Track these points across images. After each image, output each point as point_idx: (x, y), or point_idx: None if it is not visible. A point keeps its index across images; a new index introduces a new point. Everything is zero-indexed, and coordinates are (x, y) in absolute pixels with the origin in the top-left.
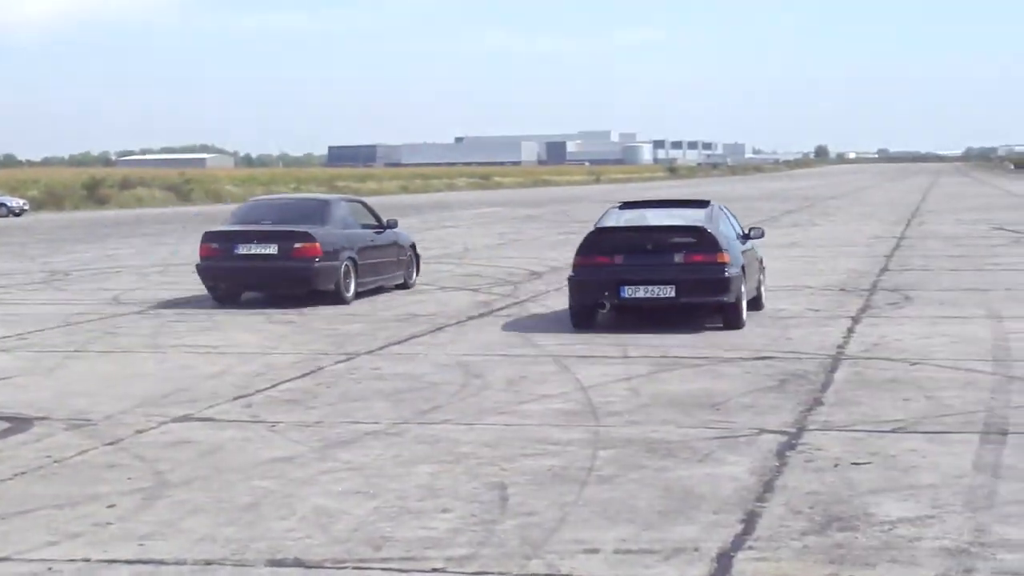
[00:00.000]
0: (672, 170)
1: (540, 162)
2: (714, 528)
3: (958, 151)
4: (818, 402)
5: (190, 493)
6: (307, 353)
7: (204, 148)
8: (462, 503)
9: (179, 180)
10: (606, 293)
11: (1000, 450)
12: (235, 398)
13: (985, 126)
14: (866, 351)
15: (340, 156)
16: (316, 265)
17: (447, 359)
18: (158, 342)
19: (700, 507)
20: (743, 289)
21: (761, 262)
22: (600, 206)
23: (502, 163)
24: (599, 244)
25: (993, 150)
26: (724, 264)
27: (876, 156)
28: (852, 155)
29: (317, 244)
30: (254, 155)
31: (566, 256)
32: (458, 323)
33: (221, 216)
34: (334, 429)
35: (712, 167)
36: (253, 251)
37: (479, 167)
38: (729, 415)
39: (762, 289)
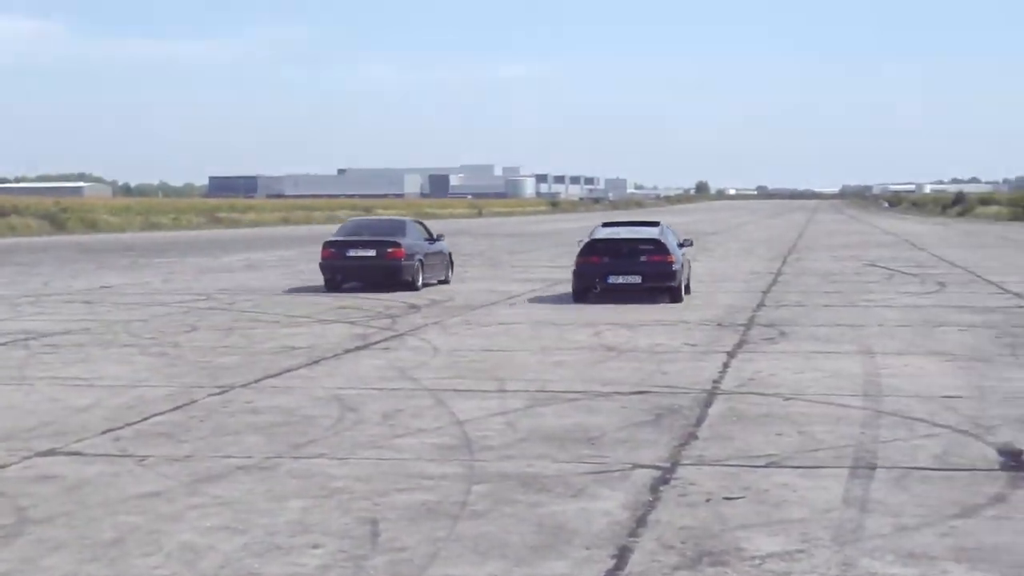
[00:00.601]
0: (554, 204)
1: (423, 195)
2: (586, 563)
3: (835, 188)
4: (692, 437)
5: (53, 530)
6: (180, 386)
7: (82, 177)
8: (333, 538)
9: (55, 209)
10: (597, 279)
11: (868, 484)
12: (104, 432)
13: (861, 164)
14: (741, 386)
15: (221, 186)
16: (402, 263)
17: (323, 392)
18: (26, 374)
19: (572, 542)
20: (682, 278)
21: (689, 263)
22: (483, 239)
23: (385, 195)
24: (593, 248)
25: (868, 188)
26: (671, 263)
27: (755, 192)
28: (732, 191)
29: (402, 249)
30: (133, 184)
31: (448, 289)
32: (335, 356)
33: (101, 245)
34: (204, 463)
35: (594, 201)
36: (359, 254)
37: (362, 199)
38: (604, 450)
39: (690, 280)
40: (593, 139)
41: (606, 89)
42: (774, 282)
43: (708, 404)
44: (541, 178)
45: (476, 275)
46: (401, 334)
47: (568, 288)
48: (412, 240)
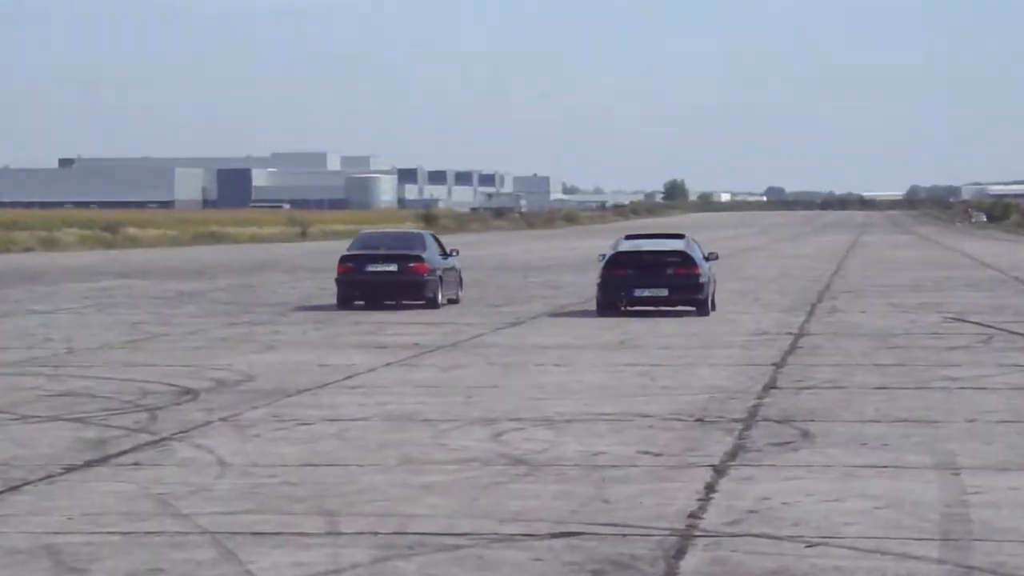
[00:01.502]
0: (428, 218)
1: (207, 201)
2: None
3: (897, 192)
4: None
5: None
6: None
7: None
8: None
9: None
10: (622, 292)
11: None
12: None
13: (938, 154)
14: (735, 523)
15: None
16: (426, 279)
17: (27, 542)
18: None
19: None
20: (709, 291)
21: (715, 278)
22: (311, 277)
23: (142, 203)
24: (618, 261)
25: (953, 191)
26: (699, 275)
27: (763, 199)
28: (725, 197)
29: (425, 264)
30: None
31: (247, 361)
32: (48, 478)
33: None
34: None
35: (494, 213)
36: (380, 268)
37: (102, 209)
38: None
39: (715, 296)
40: (499, 118)
41: (519, 49)
42: (793, 348)
43: (679, 554)
44: (406, 174)
45: (294, 338)
46: (165, 438)
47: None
48: (431, 254)
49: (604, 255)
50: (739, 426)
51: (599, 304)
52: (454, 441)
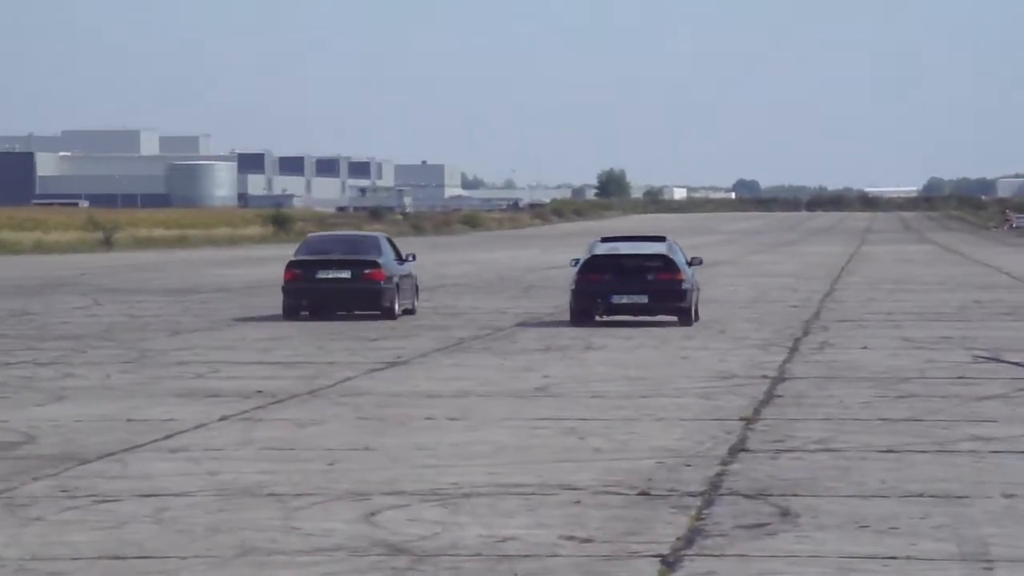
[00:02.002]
0: (278, 220)
1: None
2: None
3: (912, 187)
4: None
5: None
6: None
7: None
8: None
9: None
10: (598, 299)
11: None
12: None
13: (963, 140)
14: None
15: None
16: (382, 287)
17: None
18: None
19: None
20: (693, 299)
21: (697, 284)
22: (117, 300)
23: None
24: (594, 265)
25: (987, 185)
26: (682, 281)
27: (731, 195)
28: (679, 193)
29: (382, 270)
30: None
31: (27, 416)
32: None
33: None
34: None
35: (370, 214)
36: (332, 275)
37: None
38: None
39: (699, 305)
40: (375, 91)
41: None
42: (770, 397)
43: None
44: (252, 162)
45: (94, 383)
46: None
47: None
48: (387, 260)
49: (578, 259)
50: (696, 502)
51: (573, 312)
52: (311, 523)
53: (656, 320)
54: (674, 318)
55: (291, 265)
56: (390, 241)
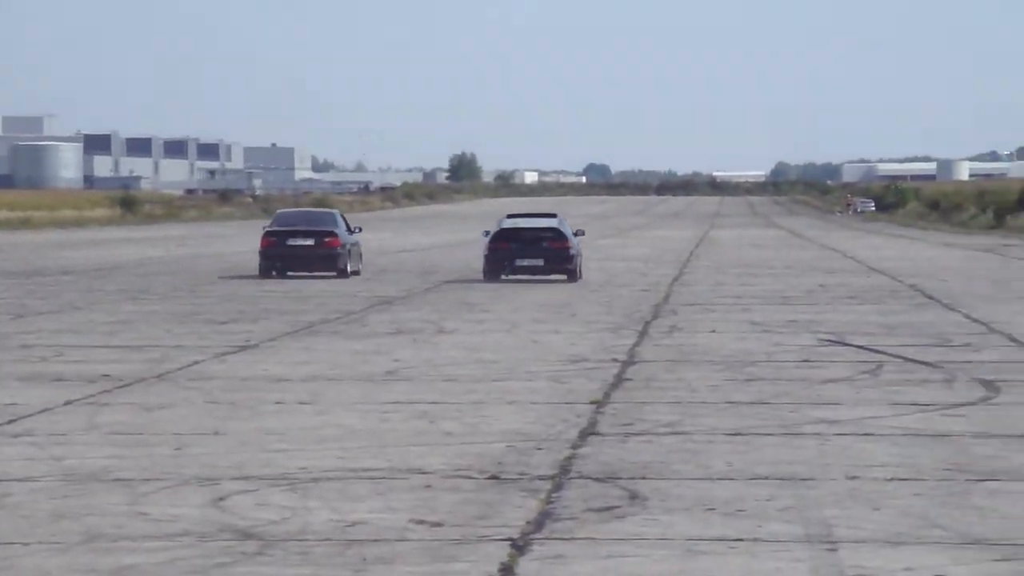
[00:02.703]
0: (126, 203)
1: None
2: None
3: (759, 171)
4: None
5: None
6: None
7: None
8: None
9: None
10: (506, 263)
11: None
12: None
13: (811, 124)
14: None
15: None
16: (339, 251)
17: None
18: None
19: None
20: (578, 263)
21: (580, 250)
22: None
23: None
24: (502, 236)
25: (833, 170)
26: (569, 248)
27: (583, 179)
28: (530, 177)
29: (338, 238)
30: None
31: None
32: None
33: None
34: None
35: (219, 197)
36: (299, 243)
37: None
38: None
39: (582, 267)
40: (224, 71)
41: None
42: (620, 380)
43: None
44: (98, 143)
45: None
46: None
47: None
48: (341, 231)
49: (488, 231)
50: (546, 485)
51: (485, 273)
52: (159, 508)
53: (508, 307)
54: (564, 276)
55: (267, 235)
56: (342, 216)
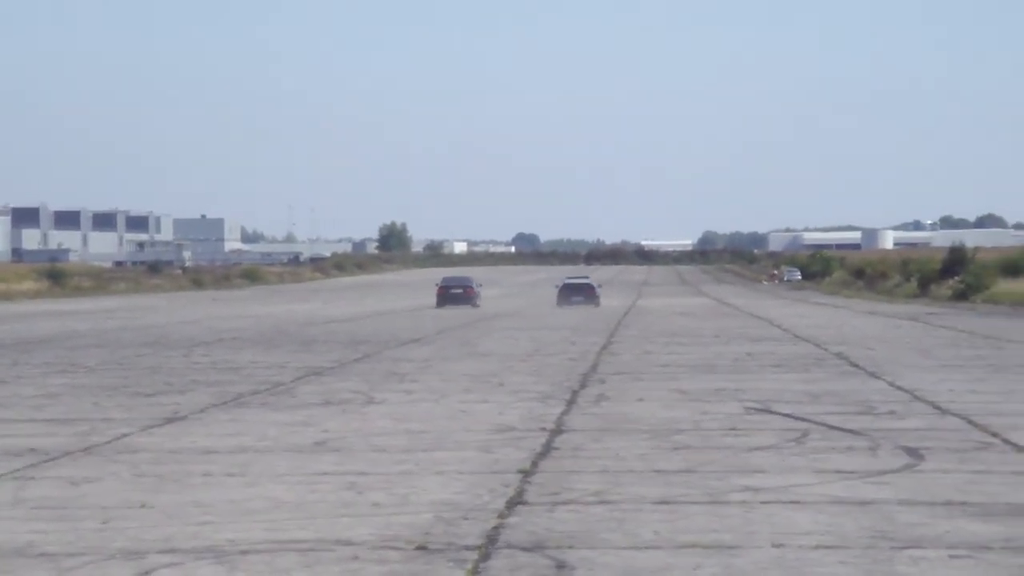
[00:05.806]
0: (54, 275)
1: None
2: None
3: (686, 240)
4: None
5: None
6: None
7: None
8: None
9: None
10: (568, 299)
11: None
12: None
13: (739, 195)
14: None
15: None
16: (474, 296)
17: None
18: None
19: None
20: (600, 299)
21: (600, 291)
22: None
23: None
24: (566, 286)
25: (759, 239)
26: (596, 292)
27: (511, 249)
28: (460, 247)
29: (474, 289)
30: None
31: None
32: None
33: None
34: None
35: (148, 268)
36: (455, 291)
37: None
38: None
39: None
40: (153, 144)
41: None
42: (548, 449)
43: None
44: (26, 216)
45: None
46: None
47: None
48: (474, 284)
49: (558, 285)
50: (474, 556)
51: (558, 303)
52: None
53: (438, 377)
54: (593, 305)
55: (440, 287)
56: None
